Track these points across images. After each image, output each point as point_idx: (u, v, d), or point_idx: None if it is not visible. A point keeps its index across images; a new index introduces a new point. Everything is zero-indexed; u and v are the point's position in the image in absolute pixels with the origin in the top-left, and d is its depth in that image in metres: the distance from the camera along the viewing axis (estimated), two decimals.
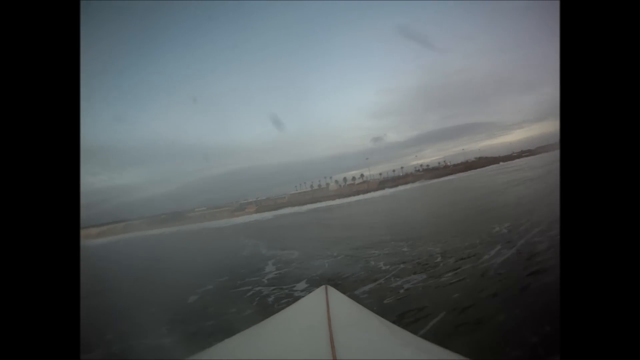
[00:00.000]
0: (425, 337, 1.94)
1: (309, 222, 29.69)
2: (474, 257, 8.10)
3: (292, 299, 7.28)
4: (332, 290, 2.57)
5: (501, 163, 75.26)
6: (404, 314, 5.50)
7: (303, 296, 2.98)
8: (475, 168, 79.05)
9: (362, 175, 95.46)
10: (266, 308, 7.07)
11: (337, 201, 66.28)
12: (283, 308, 2.61)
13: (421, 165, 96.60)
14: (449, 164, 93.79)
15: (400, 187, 72.58)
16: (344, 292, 2.84)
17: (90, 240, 64.51)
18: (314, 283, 8.36)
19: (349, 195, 75.71)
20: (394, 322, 2.45)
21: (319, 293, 2.56)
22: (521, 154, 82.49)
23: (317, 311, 2.04)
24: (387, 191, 68.90)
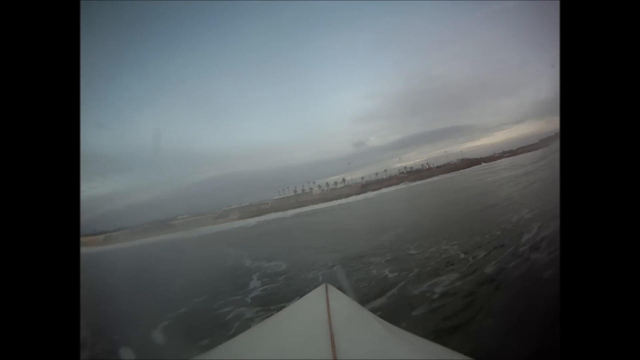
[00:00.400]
0: None
1: (295, 228, 28.39)
2: (501, 247, 7.53)
3: None
4: (332, 289, 2.50)
5: (483, 164, 76.11)
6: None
7: None
8: (458, 169, 79.76)
9: (343, 180, 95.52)
10: None
11: (321, 205, 65.71)
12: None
13: (405, 168, 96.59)
14: (432, 166, 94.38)
15: (384, 190, 72.65)
16: None
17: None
18: None
19: (332, 199, 75.18)
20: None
21: (319, 292, 2.49)
22: (503, 155, 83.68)
23: (317, 310, 2.01)
24: (370, 194, 68.95)
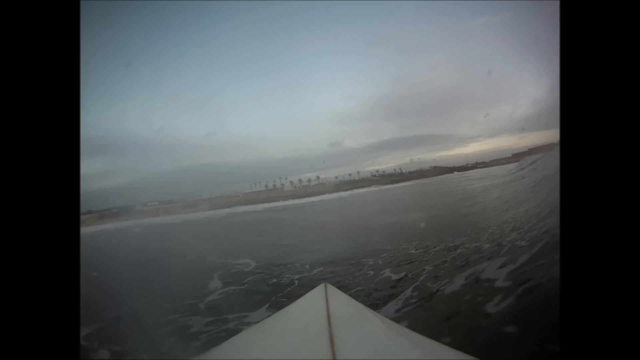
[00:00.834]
0: None
1: (265, 222, 26.81)
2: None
3: None
4: (331, 289, 2.37)
5: (455, 173, 77.37)
6: None
7: None
8: (429, 176, 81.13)
9: (317, 177, 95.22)
10: None
11: (292, 201, 64.68)
12: None
13: (377, 171, 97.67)
14: (404, 171, 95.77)
15: (356, 190, 72.68)
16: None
17: None
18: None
19: (305, 196, 74.51)
20: None
21: (318, 291, 2.35)
22: (475, 166, 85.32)
23: (316, 310, 1.92)
24: (343, 194, 68.58)
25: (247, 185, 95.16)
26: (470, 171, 73.73)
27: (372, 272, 7.51)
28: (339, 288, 2.55)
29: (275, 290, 7.25)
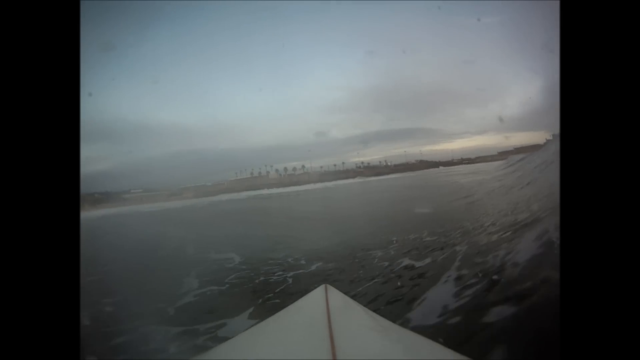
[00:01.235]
0: None
1: (250, 211, 26.06)
2: None
3: None
4: (332, 289, 2.32)
5: (441, 167, 77.76)
6: None
7: None
8: (415, 170, 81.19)
9: (303, 166, 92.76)
10: None
11: (277, 190, 64.22)
12: None
13: (362, 163, 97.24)
14: (389, 163, 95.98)
15: (341, 181, 72.10)
16: None
17: None
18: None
19: (289, 185, 74.11)
20: None
21: (318, 292, 2.32)
22: (461, 161, 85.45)
23: (316, 310, 1.90)
24: (327, 184, 68.20)
25: (233, 172, 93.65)
26: (456, 166, 74.48)
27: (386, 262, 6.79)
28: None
29: (266, 289, 6.43)
